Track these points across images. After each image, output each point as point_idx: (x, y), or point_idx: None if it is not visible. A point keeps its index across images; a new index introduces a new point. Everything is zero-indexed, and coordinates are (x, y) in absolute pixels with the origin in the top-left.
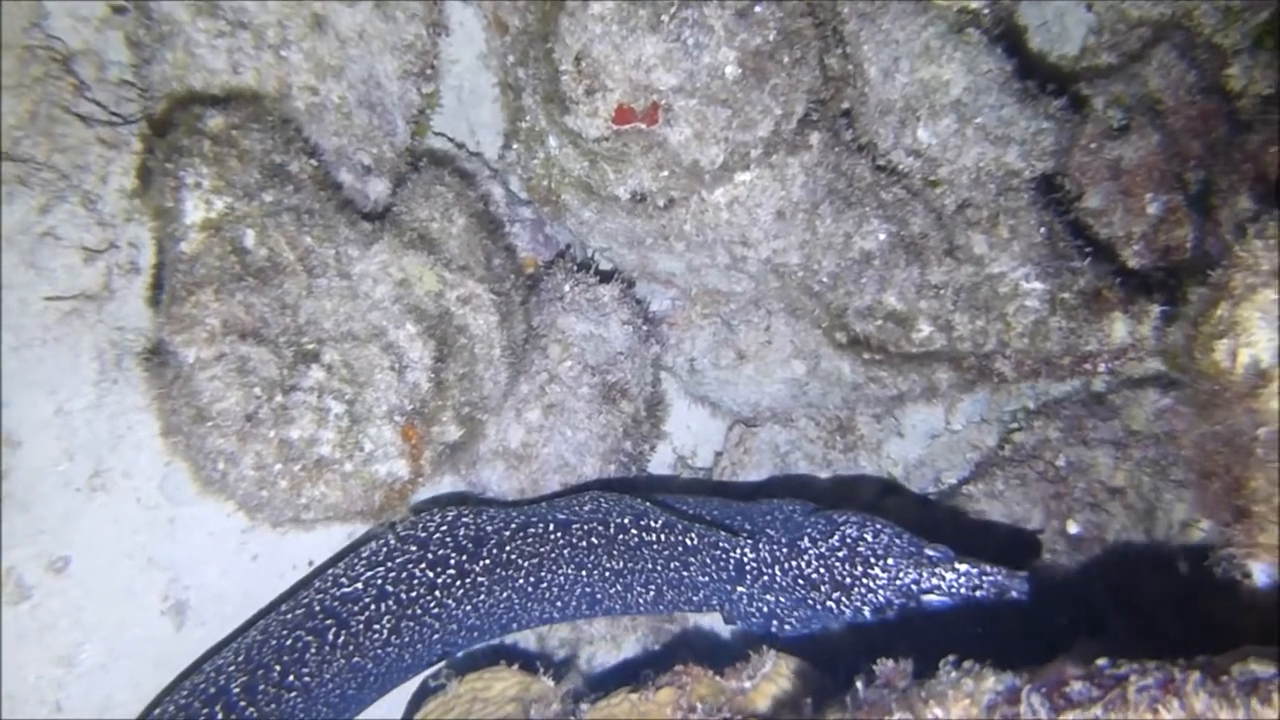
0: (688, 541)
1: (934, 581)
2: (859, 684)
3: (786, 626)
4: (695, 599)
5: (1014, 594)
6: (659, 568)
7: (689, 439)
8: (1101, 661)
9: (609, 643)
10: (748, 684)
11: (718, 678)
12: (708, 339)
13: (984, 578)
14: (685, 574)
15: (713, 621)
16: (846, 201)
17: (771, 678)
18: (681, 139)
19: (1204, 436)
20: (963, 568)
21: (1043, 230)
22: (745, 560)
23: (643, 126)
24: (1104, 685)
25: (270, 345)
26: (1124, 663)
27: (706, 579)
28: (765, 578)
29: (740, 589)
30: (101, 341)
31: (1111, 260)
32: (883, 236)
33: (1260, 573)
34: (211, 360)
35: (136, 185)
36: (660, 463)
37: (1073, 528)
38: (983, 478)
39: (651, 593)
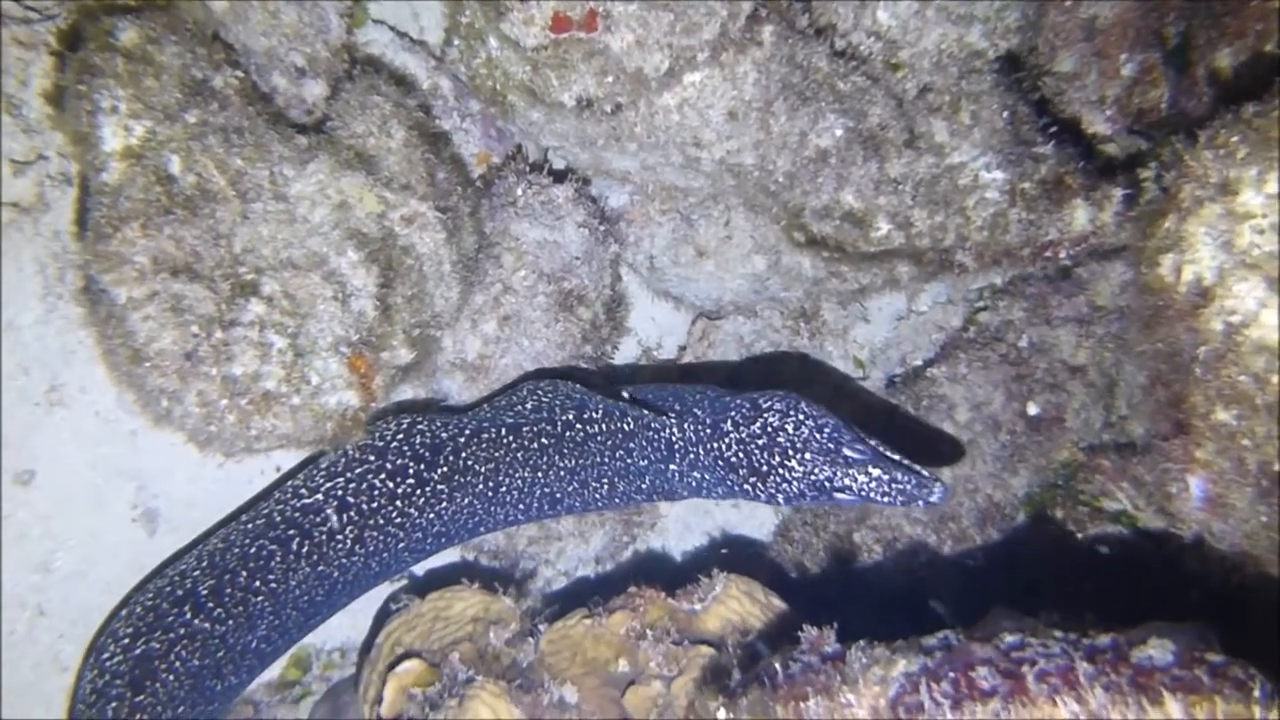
0: (625, 427)
1: (846, 482)
2: (777, 665)
3: (714, 496)
4: (643, 486)
5: (923, 502)
6: (606, 459)
7: (654, 331)
8: (1009, 639)
9: (578, 538)
10: (698, 606)
11: (669, 599)
12: (667, 235)
13: (894, 485)
14: (629, 461)
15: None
16: (802, 97)
17: (721, 599)
18: (623, 46)
19: (1149, 350)
20: (875, 472)
21: (1005, 114)
22: (674, 439)
23: (581, 35)
24: (1007, 672)
25: (205, 281)
26: (1030, 640)
27: (646, 462)
28: (691, 455)
29: (672, 466)
30: (42, 255)
31: (1076, 139)
32: (839, 132)
33: (1195, 487)
34: (144, 300)
35: (51, 108)
36: (626, 355)
37: (1032, 409)
38: (946, 360)
39: (605, 486)
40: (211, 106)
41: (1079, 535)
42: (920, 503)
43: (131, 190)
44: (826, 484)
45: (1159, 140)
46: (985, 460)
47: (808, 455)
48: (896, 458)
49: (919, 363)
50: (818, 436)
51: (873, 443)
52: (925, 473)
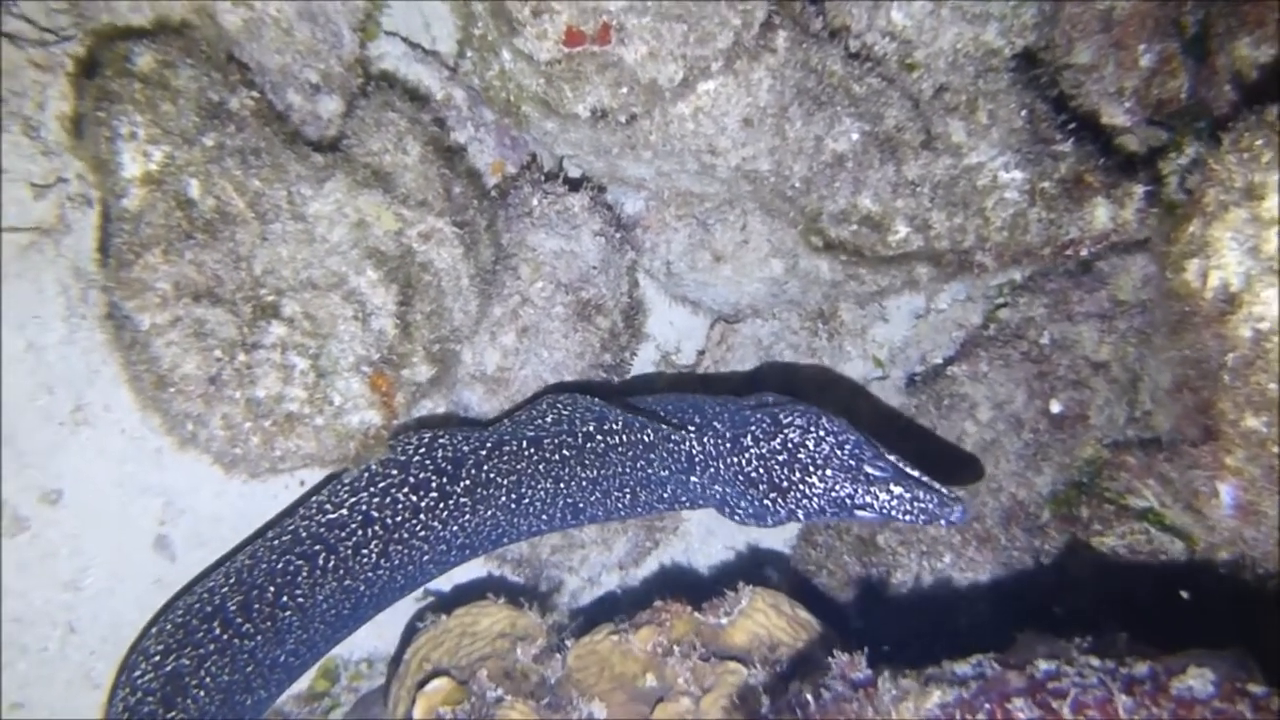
0: (645, 438)
1: (867, 500)
2: (809, 695)
3: (736, 516)
4: (665, 495)
5: (945, 521)
6: (628, 469)
7: (672, 335)
8: (1044, 667)
9: (601, 545)
10: (724, 620)
11: (696, 614)
12: (683, 241)
13: (915, 504)
14: (650, 471)
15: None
16: (817, 102)
17: (748, 613)
18: (637, 57)
19: (1175, 356)
20: (897, 490)
21: (1023, 113)
22: (694, 452)
23: (595, 48)
24: (1043, 704)
25: (226, 305)
26: (1065, 669)
27: (667, 472)
28: (712, 469)
29: (693, 479)
30: (65, 276)
31: (1096, 133)
32: (855, 136)
33: (1226, 494)
34: (167, 325)
35: (69, 131)
36: (644, 360)
37: (1055, 406)
38: (967, 359)
39: (628, 496)
40: (228, 129)
41: (1107, 541)
42: (943, 522)
43: (152, 216)
44: (847, 501)
45: (1179, 131)
46: (1009, 459)
47: (829, 472)
48: (916, 474)
49: (939, 361)
50: (839, 453)
51: (892, 458)
52: (945, 491)
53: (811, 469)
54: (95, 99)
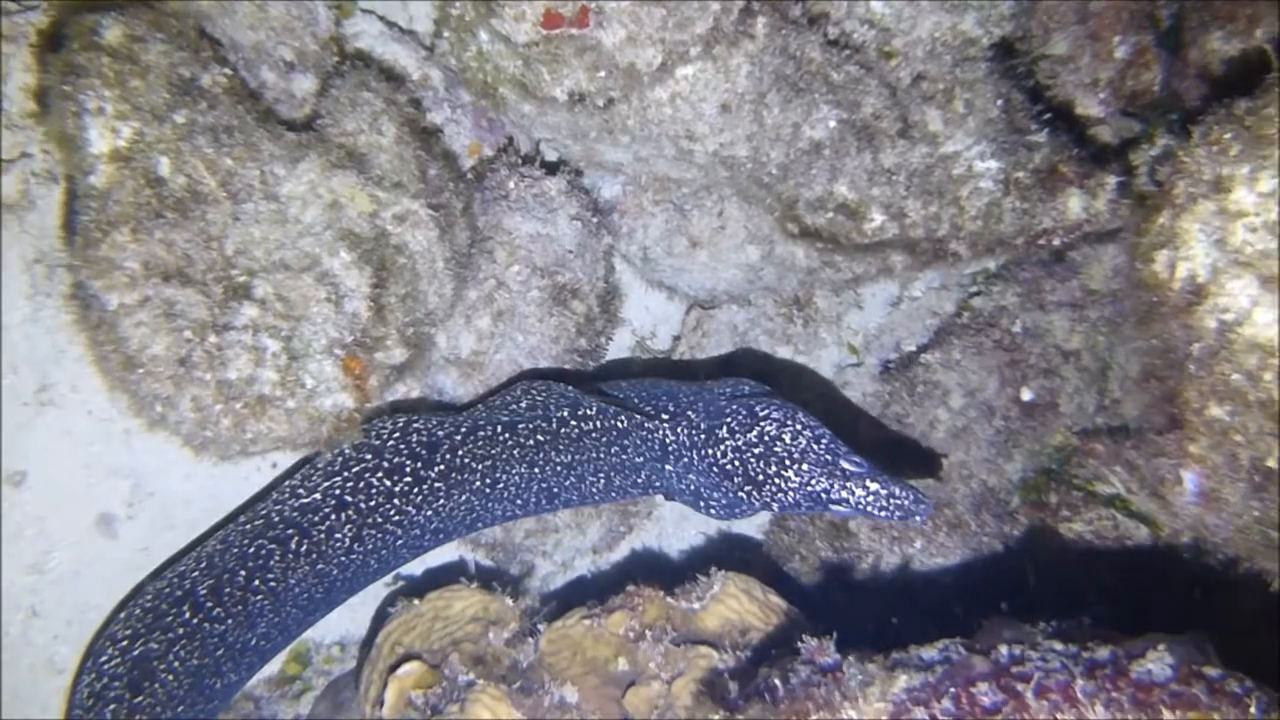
0: (619, 425)
1: (843, 495)
2: (777, 679)
3: (711, 510)
4: (640, 480)
5: (916, 519)
6: (602, 454)
7: (648, 320)
8: (1007, 651)
9: (574, 529)
10: (696, 605)
11: (668, 599)
12: (660, 226)
13: (891, 500)
14: (624, 456)
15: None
16: (795, 89)
17: (720, 598)
18: (615, 41)
19: (1143, 346)
20: (873, 486)
21: (1000, 103)
22: (668, 441)
23: (574, 31)
24: (1007, 688)
25: (197, 285)
26: (1029, 653)
27: (641, 459)
28: (686, 459)
29: (668, 467)
30: (29, 254)
31: (1070, 126)
32: (833, 124)
33: (1189, 481)
34: (135, 306)
35: (34, 104)
36: (620, 345)
37: (1026, 394)
38: (940, 346)
39: (602, 480)
40: (200, 106)
41: (1074, 527)
42: (917, 519)
43: (120, 194)
44: (823, 495)
45: (1152, 122)
46: (980, 446)
47: (805, 466)
48: (882, 473)
49: (913, 348)
50: (815, 448)
51: (857, 458)
52: (914, 488)
53: (788, 462)
54: (61, 73)
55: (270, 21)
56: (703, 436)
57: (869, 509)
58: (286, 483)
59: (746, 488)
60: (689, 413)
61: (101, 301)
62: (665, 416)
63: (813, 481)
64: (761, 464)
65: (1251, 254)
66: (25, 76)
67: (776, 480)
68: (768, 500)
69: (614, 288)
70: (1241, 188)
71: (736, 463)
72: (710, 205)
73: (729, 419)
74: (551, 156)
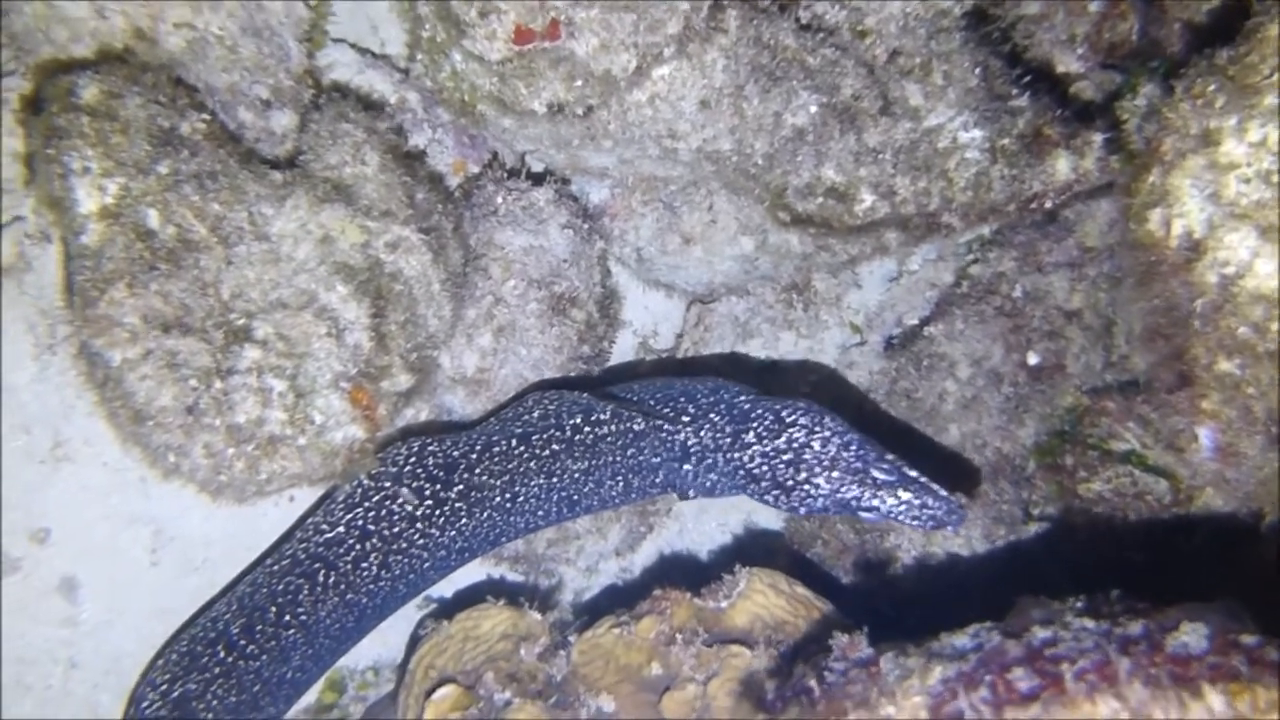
0: (635, 427)
1: (874, 503)
2: (812, 680)
3: (719, 494)
4: (657, 480)
5: (949, 529)
6: (618, 458)
7: (649, 320)
8: (1041, 634)
9: (595, 534)
10: (724, 604)
11: (695, 599)
12: (651, 226)
13: (924, 510)
14: (641, 458)
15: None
16: (772, 78)
17: (747, 594)
18: (588, 50)
19: (1145, 305)
20: (905, 496)
21: (978, 71)
22: (689, 443)
23: (546, 44)
24: (1043, 671)
25: (197, 333)
26: (1061, 634)
27: (658, 459)
28: (709, 460)
29: (686, 467)
30: (31, 314)
31: (1051, 86)
32: (814, 109)
33: (1205, 437)
34: (138, 360)
35: (24, 170)
36: (623, 348)
37: (1032, 358)
38: (942, 318)
39: (621, 484)
40: (182, 154)
41: (1093, 486)
42: (949, 528)
43: (113, 250)
44: (853, 503)
45: (1133, 73)
46: (990, 414)
47: (835, 474)
48: (914, 474)
49: (915, 322)
50: (845, 455)
51: (890, 458)
52: (947, 494)
53: (818, 470)
54: (44, 136)
55: (243, 62)
56: (728, 440)
57: (900, 518)
58: (309, 520)
59: (774, 492)
60: (711, 415)
61: (105, 359)
62: (686, 419)
63: (843, 489)
64: (791, 470)
65: (1247, 205)
66: (12, 141)
67: (806, 486)
68: (795, 505)
69: (612, 291)
70: (1230, 139)
71: (765, 467)
72: (700, 200)
73: (755, 423)
74: (537, 167)
